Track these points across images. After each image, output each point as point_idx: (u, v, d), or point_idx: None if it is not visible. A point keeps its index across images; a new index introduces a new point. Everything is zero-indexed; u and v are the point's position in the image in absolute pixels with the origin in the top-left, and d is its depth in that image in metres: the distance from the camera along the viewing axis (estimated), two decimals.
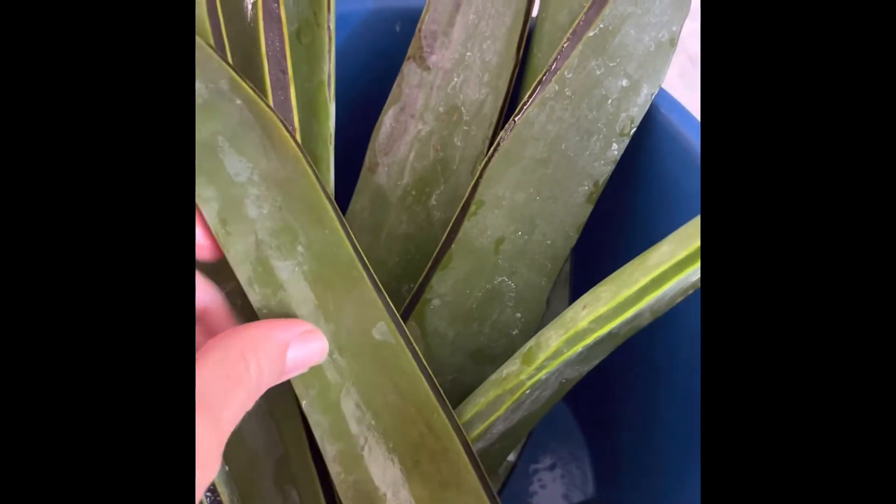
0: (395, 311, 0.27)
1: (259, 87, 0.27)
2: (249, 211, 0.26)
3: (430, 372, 0.27)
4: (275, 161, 0.26)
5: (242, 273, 0.27)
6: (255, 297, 0.27)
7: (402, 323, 0.27)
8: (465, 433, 0.26)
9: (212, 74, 0.26)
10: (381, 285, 0.27)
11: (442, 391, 0.27)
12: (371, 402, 0.27)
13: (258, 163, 0.26)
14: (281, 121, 0.26)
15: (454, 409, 0.30)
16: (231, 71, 0.26)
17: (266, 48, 0.27)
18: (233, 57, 0.30)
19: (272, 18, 0.27)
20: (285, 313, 0.27)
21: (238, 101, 0.26)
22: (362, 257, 0.27)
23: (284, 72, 0.27)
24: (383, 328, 0.26)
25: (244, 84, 0.26)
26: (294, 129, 0.27)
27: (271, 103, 0.27)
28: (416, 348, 0.27)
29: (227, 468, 0.29)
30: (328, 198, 0.26)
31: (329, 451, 0.27)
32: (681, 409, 0.36)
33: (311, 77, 0.31)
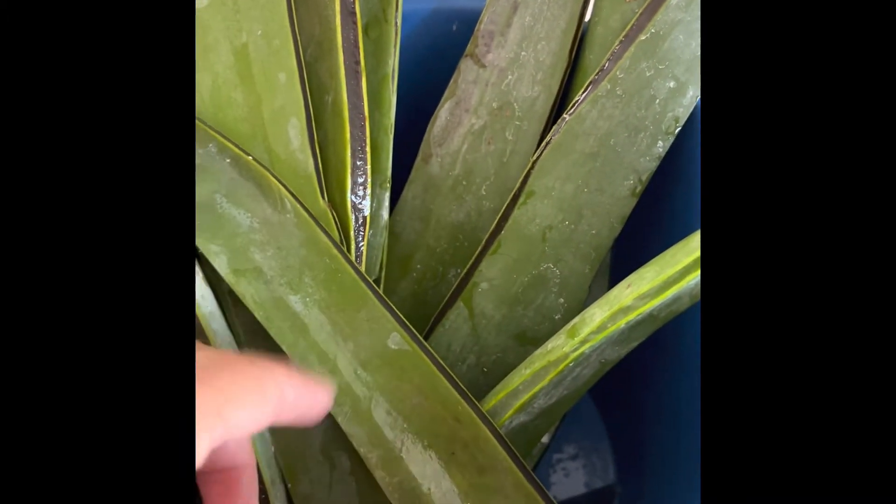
0: (405, 320, 0.29)
1: (333, 77, 0.30)
2: (256, 256, 0.29)
3: (446, 369, 0.29)
4: (267, 206, 0.29)
5: (260, 312, 0.29)
6: (275, 331, 0.29)
7: (414, 330, 0.29)
8: (490, 419, 0.28)
9: (202, 139, 0.29)
10: (386, 299, 0.29)
11: (460, 383, 0.29)
12: (400, 408, 0.29)
13: (255, 211, 0.29)
14: (269, 172, 0.28)
15: (498, 384, 0.32)
16: (216, 135, 0.29)
17: (342, 41, 0.29)
18: (306, 48, 0.32)
19: (348, 12, 0.30)
20: (305, 342, 0.29)
21: (227, 160, 0.29)
22: (364, 277, 0.29)
23: (358, 63, 0.29)
24: (397, 338, 0.29)
25: (229, 144, 0.29)
26: (364, 119, 0.30)
27: (344, 93, 0.29)
28: (430, 349, 0.29)
29: (272, 448, 0.31)
30: (322, 230, 0.29)
31: (371, 458, 0.29)
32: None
33: (377, 70, 0.34)
